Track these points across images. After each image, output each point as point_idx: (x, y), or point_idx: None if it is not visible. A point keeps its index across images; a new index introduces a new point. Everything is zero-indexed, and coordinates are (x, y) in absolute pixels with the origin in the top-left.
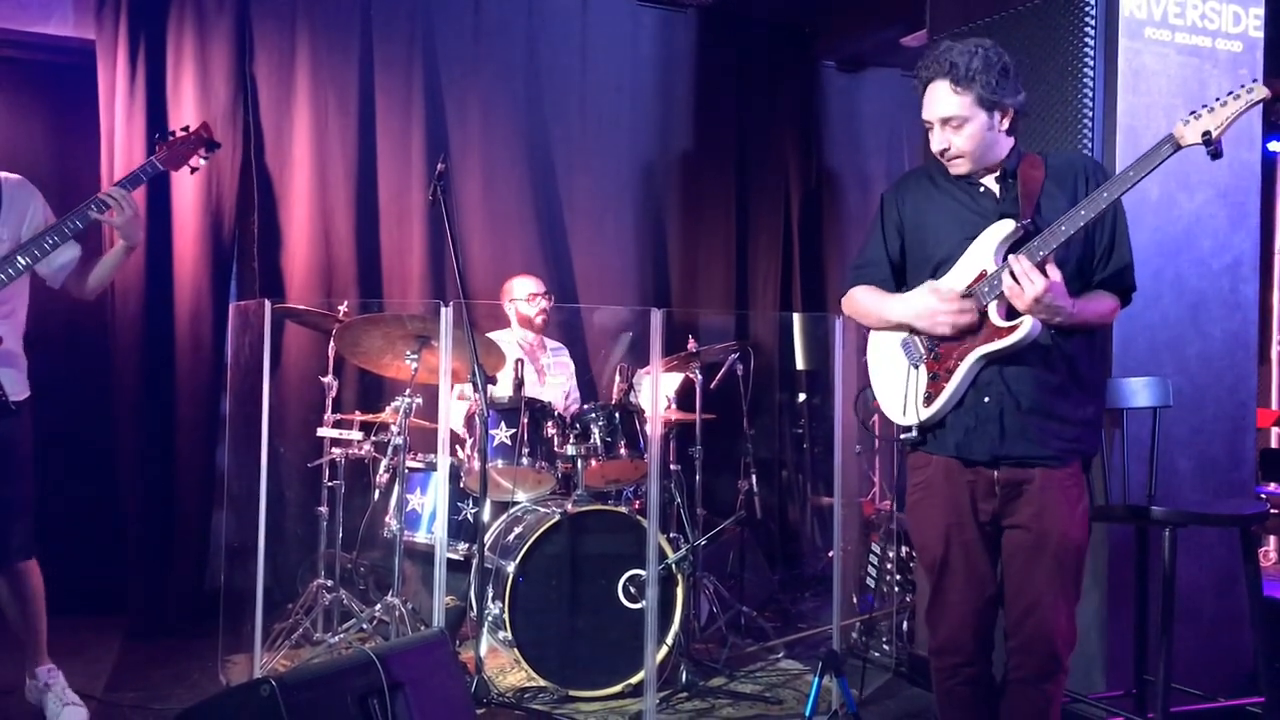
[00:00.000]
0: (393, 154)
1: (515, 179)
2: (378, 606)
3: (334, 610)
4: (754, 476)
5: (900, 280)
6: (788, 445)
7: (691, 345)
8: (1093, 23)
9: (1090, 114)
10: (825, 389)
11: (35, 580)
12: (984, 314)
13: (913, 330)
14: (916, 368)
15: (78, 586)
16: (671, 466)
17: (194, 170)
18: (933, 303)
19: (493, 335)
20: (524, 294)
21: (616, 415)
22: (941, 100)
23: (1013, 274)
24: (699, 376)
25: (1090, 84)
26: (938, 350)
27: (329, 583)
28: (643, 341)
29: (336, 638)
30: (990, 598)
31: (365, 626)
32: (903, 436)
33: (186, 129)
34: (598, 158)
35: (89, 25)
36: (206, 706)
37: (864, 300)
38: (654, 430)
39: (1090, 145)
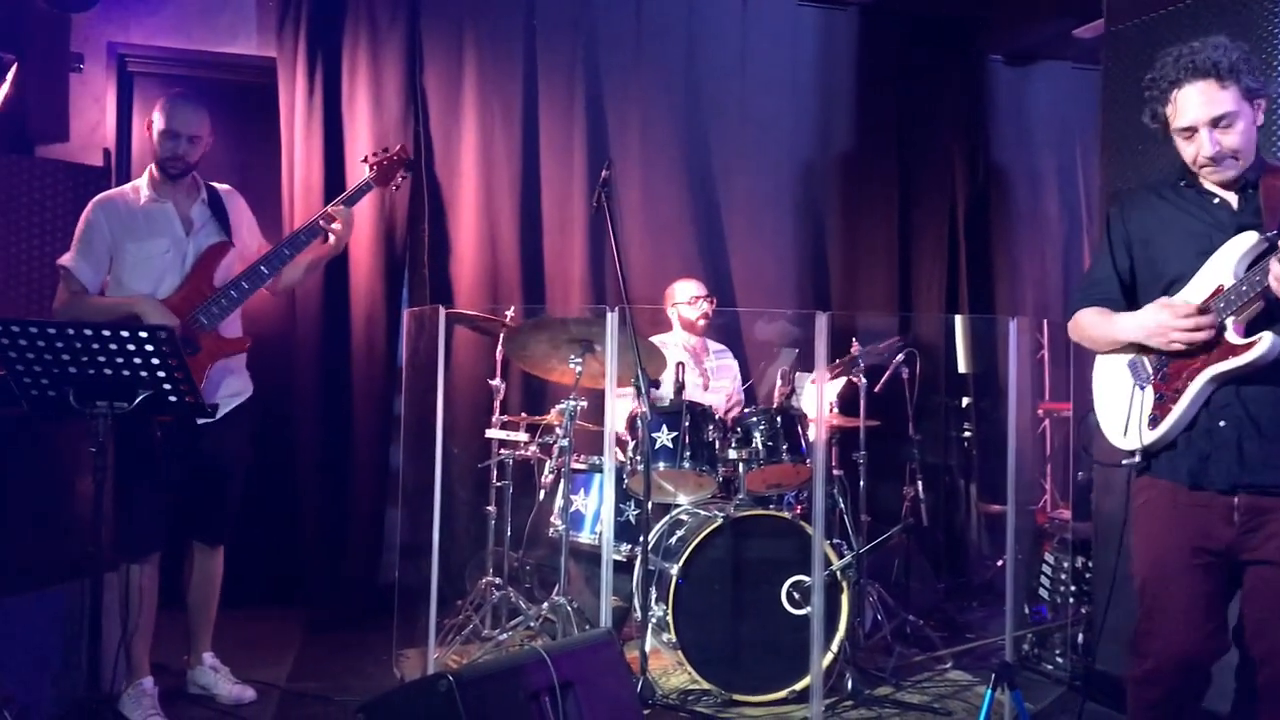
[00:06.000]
0: (555, 161)
1: (674, 183)
2: (545, 605)
3: (502, 608)
4: (920, 483)
5: (1131, 301)
6: (953, 450)
7: (855, 348)
8: None
9: None
10: (993, 392)
11: (221, 565)
12: (1220, 331)
13: (1141, 350)
14: (1143, 389)
15: (257, 579)
16: (834, 472)
17: (396, 188)
18: (1165, 318)
19: (655, 339)
20: (686, 296)
21: (778, 419)
22: (1212, 98)
23: None
24: (863, 381)
25: None
26: (1166, 370)
27: (497, 580)
28: (806, 346)
29: (505, 634)
30: (1209, 632)
31: (533, 624)
32: (1125, 462)
33: (388, 150)
34: (756, 159)
35: (271, 44)
36: (388, 699)
37: (1090, 322)
38: (819, 435)
39: None
